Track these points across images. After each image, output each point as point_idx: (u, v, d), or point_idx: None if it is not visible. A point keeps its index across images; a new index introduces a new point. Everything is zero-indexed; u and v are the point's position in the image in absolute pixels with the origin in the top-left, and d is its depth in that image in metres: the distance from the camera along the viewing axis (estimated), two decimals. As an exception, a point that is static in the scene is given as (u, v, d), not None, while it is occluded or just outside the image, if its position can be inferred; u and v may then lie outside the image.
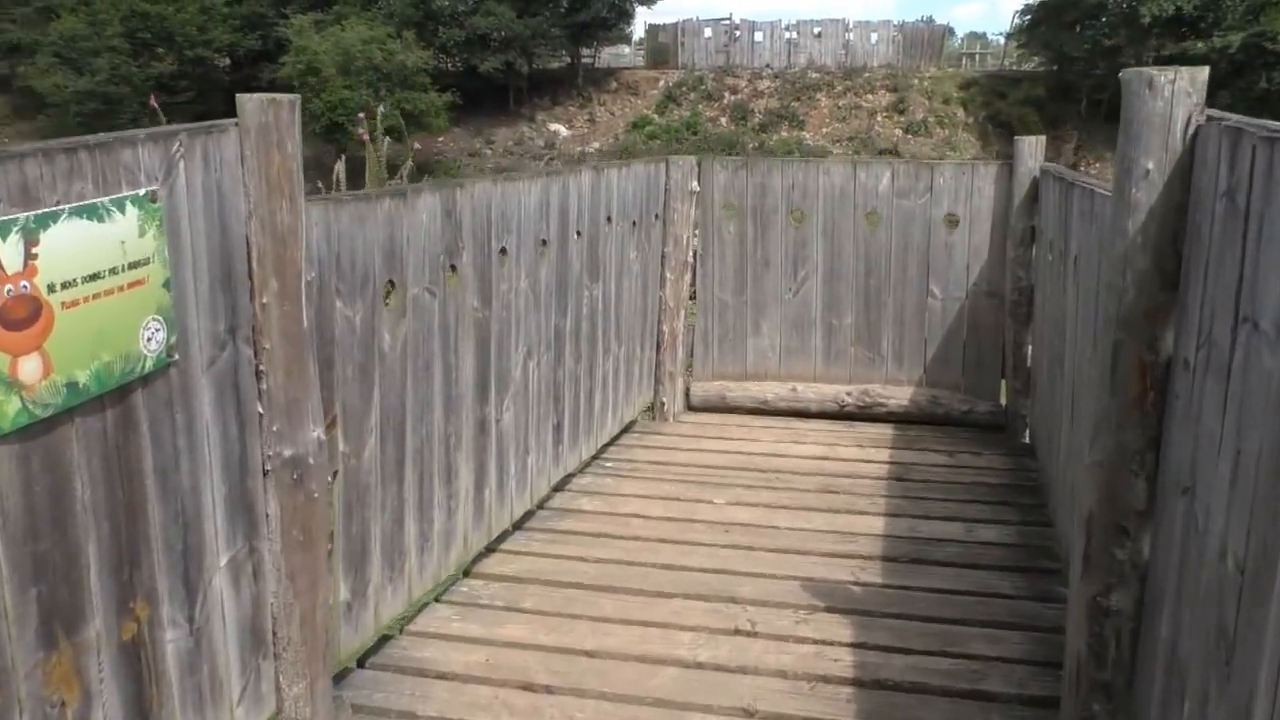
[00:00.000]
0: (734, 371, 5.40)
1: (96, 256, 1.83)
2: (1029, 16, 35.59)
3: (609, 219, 4.30)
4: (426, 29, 34.95)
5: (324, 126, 31.55)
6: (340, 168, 8.81)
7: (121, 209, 1.87)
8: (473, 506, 3.45)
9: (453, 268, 3.17)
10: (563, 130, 37.56)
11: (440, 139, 36.13)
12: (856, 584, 3.50)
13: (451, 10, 36.07)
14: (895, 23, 39.31)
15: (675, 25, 39.76)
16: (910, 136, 35.15)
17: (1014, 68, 39.15)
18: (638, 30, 46.19)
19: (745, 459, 4.76)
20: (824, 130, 35.68)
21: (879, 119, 35.95)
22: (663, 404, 5.29)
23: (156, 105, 7.79)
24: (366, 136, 8.55)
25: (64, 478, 1.78)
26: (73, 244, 1.77)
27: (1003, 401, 5.19)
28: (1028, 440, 4.96)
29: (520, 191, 3.52)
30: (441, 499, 3.23)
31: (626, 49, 48.81)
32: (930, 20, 39.41)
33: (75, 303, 1.78)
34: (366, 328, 2.74)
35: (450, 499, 3.29)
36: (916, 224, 5.03)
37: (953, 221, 5.03)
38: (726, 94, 37.19)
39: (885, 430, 5.15)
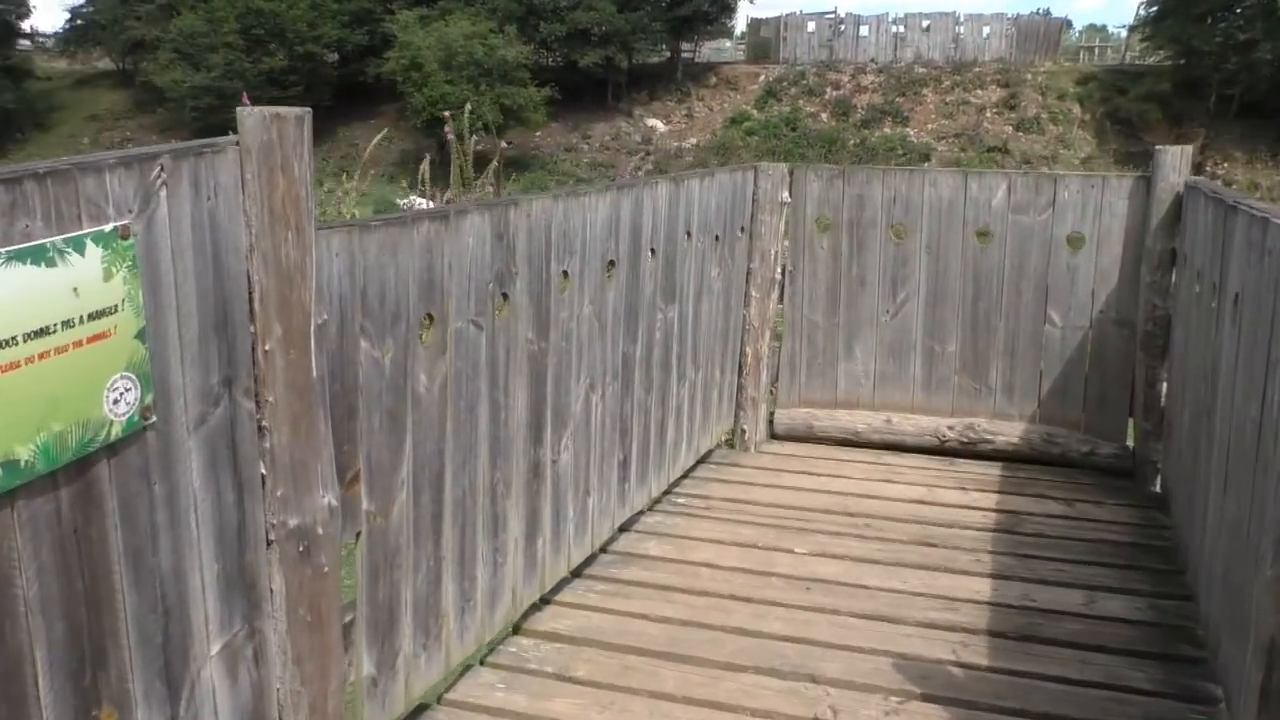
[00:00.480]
0: (823, 398, 4.94)
1: (45, 308, 1.53)
2: (1155, 8, 33.82)
3: (688, 234, 3.92)
4: (528, 24, 35.08)
5: (425, 121, 31.92)
6: (425, 167, 8.61)
7: (80, 249, 1.57)
8: (523, 559, 3.12)
9: (504, 296, 2.83)
10: (660, 126, 37.25)
11: (538, 134, 36.22)
12: (958, 664, 3.04)
13: (553, 5, 36.11)
14: (1009, 16, 37.78)
15: (777, 19, 39.02)
16: (1021, 134, 33.74)
17: (1136, 62, 37.27)
18: (739, 24, 45.60)
19: (831, 499, 4.31)
20: (929, 127, 34.52)
21: (988, 115, 34.62)
22: (744, 432, 4.87)
23: (249, 102, 7.57)
24: (451, 135, 8.31)
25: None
26: (11, 295, 1.47)
27: (1130, 444, 4.61)
28: (1158, 490, 4.39)
29: (585, 208, 3.16)
30: (487, 553, 2.90)
31: (728, 43, 48.23)
32: (1047, 13, 37.82)
33: (15, 365, 1.49)
34: (398, 369, 2.41)
35: (497, 553, 2.95)
36: (1035, 243, 4.50)
37: (1077, 241, 4.48)
38: (828, 89, 36.32)
39: (991, 470, 4.63)
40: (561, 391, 3.18)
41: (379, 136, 8.93)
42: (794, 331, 4.91)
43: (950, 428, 4.71)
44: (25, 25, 39.30)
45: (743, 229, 4.52)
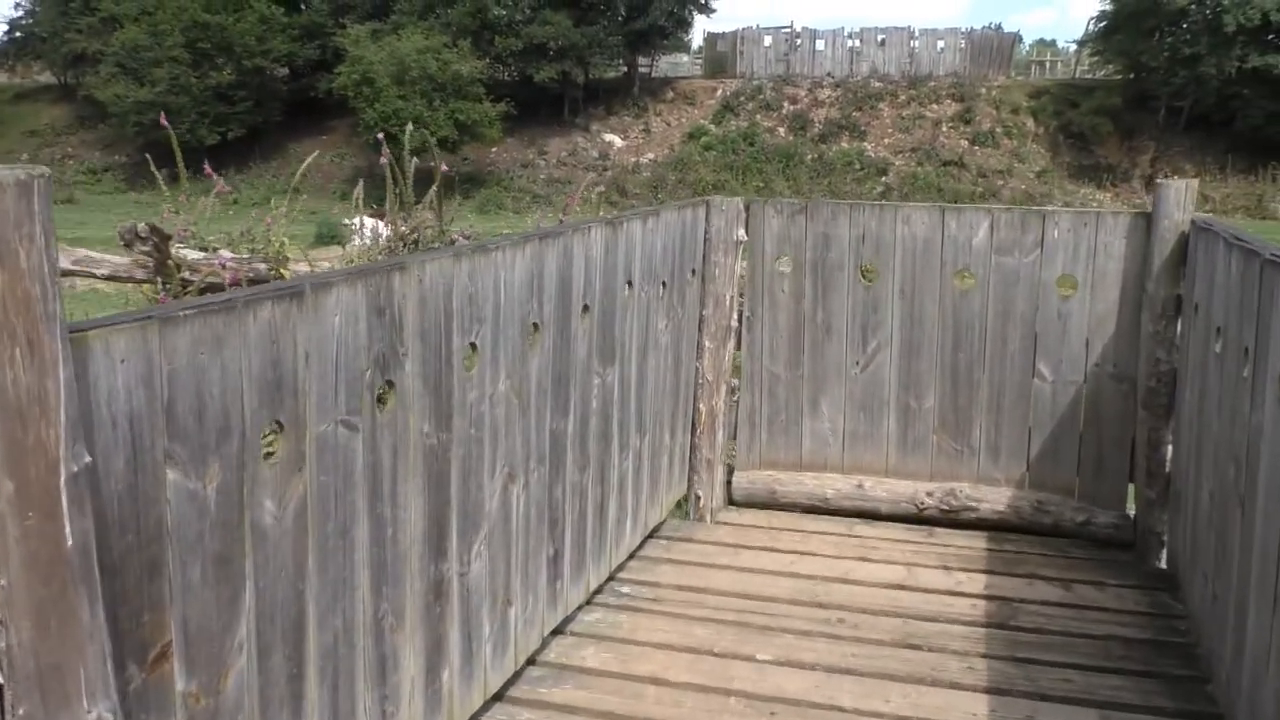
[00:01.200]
0: (786, 459, 4.39)
1: None
2: (1104, 23, 34.05)
3: (629, 284, 3.36)
4: (483, 38, 34.51)
5: (376, 137, 31.17)
6: (359, 190, 7.96)
7: None
8: (423, 700, 2.51)
9: (389, 384, 2.25)
10: (617, 141, 36.80)
11: (494, 150, 35.62)
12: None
13: (508, 19, 35.58)
14: (963, 30, 37.89)
15: (734, 33, 38.81)
16: (977, 148, 33.75)
17: (1087, 76, 37.51)
18: (696, 39, 45.38)
19: (798, 585, 3.73)
20: (886, 141, 34.42)
21: (944, 129, 34.60)
22: (698, 498, 4.31)
23: (168, 124, 6.98)
24: (386, 158, 7.68)
25: None
26: None
27: (1130, 512, 4.11)
28: (1165, 567, 3.89)
29: (498, 264, 2.58)
30: (371, 706, 2.30)
31: (685, 58, 48.02)
32: (999, 28, 37.98)
33: None
34: (228, 500, 1.81)
35: (385, 701, 2.35)
36: (1021, 287, 3.99)
37: (1069, 285, 3.99)
38: (785, 104, 36.13)
39: (977, 542, 4.10)
40: (471, 489, 2.59)
41: (311, 157, 8.24)
42: (753, 384, 4.36)
43: (929, 494, 4.17)
44: (-41, 39, 37.97)
45: (694, 272, 3.99)
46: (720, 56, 39.70)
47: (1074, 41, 45.39)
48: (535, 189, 33.63)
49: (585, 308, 3.02)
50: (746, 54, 38.21)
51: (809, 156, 33.65)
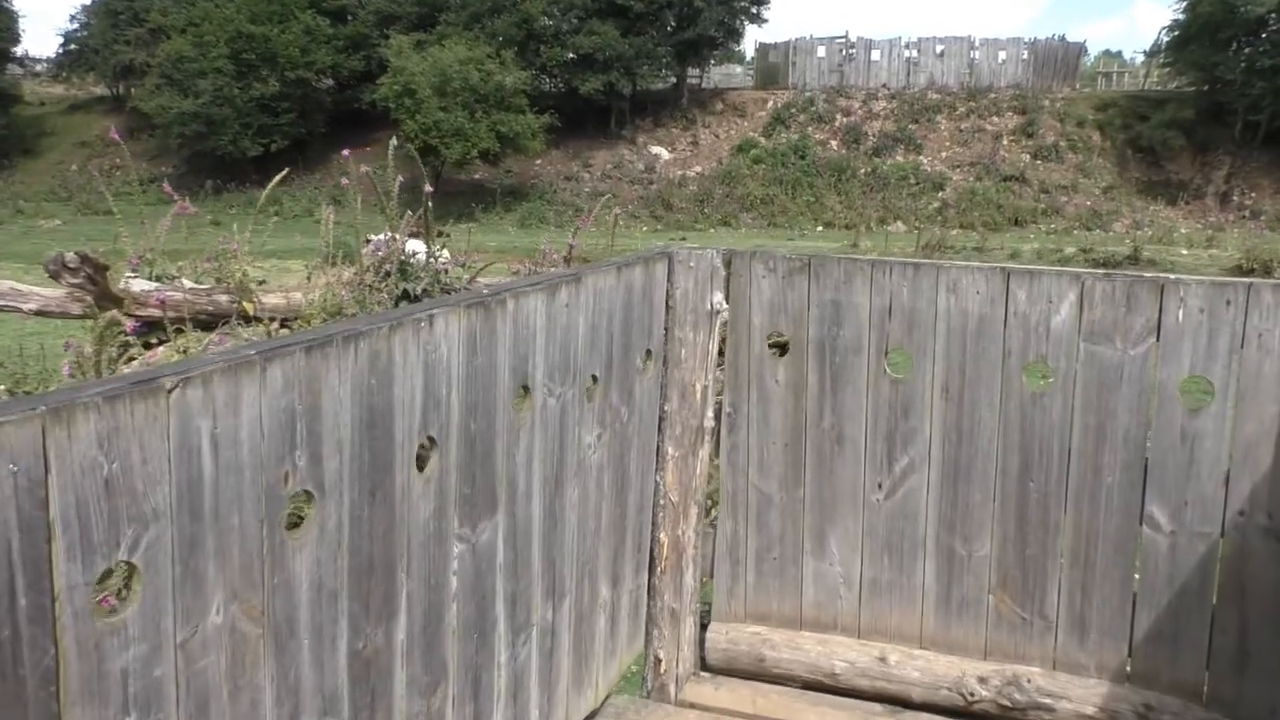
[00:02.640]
0: (781, 612, 3.27)
1: None
2: (1176, 34, 32.45)
3: (526, 388, 2.30)
4: (529, 49, 33.96)
5: (418, 149, 30.72)
6: (329, 213, 7.15)
7: None
8: None
9: None
10: (664, 153, 35.97)
11: (537, 162, 35.00)
12: None
13: (555, 30, 35.01)
14: (1026, 40, 36.43)
15: (787, 44, 37.80)
16: (1039, 162, 32.32)
17: (1157, 88, 35.85)
18: (748, 49, 44.37)
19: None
20: (943, 155, 33.15)
21: (1005, 143, 33.22)
22: (657, 661, 3.23)
23: (119, 138, 6.16)
24: (347, 183, 6.84)
25: None
26: None
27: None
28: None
29: (193, 411, 1.46)
30: None
31: (738, 69, 47.07)
32: (1063, 38, 36.44)
33: None
34: None
35: None
36: (1125, 391, 2.77)
37: (1201, 393, 2.81)
38: (839, 116, 35.03)
39: (1053, 760, 2.98)
40: None
41: (278, 177, 7.42)
42: (735, 507, 3.26)
43: (982, 679, 2.99)
44: (16, 50, 38.39)
45: (648, 354, 2.91)
46: (772, 67, 38.69)
47: (1143, 52, 43.57)
48: (579, 202, 32.91)
49: (427, 444, 1.97)
50: (799, 65, 37.18)
51: (862, 170, 32.51)
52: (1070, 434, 2.85)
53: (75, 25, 41.35)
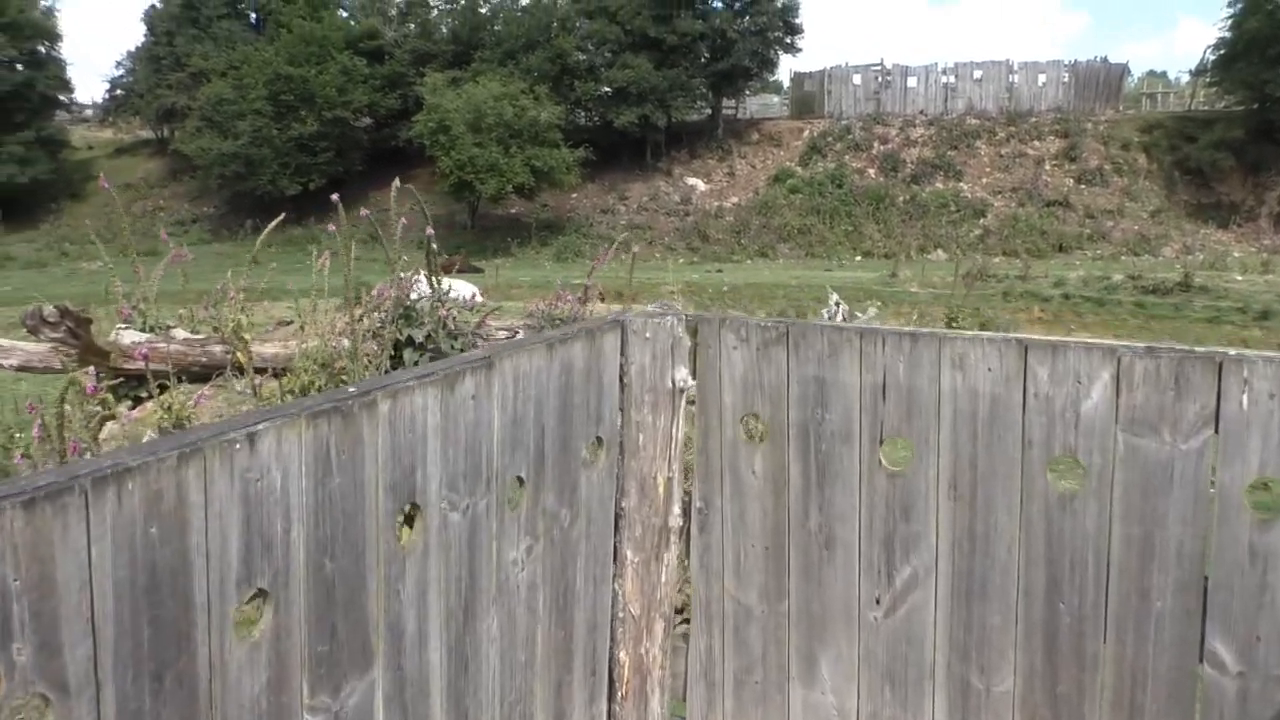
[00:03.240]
0: None
1: None
2: (1223, 51, 31.69)
3: (416, 505, 1.83)
4: (563, 84, 34.06)
5: (453, 185, 30.85)
6: (324, 260, 6.87)
7: None
8: None
9: None
10: (700, 185, 35.78)
11: (573, 195, 34.97)
12: None
13: (589, 64, 35.11)
14: (1066, 63, 35.82)
15: (822, 72, 37.54)
16: (1083, 186, 31.63)
17: (1204, 108, 35.01)
18: (783, 78, 44.18)
19: None
20: (983, 181, 32.57)
21: (1047, 167, 32.58)
22: None
23: (106, 184, 5.96)
24: (337, 225, 6.54)
25: None
26: None
27: None
28: None
29: None
30: None
31: (775, 98, 46.89)
32: (1105, 60, 35.78)
33: None
34: None
35: None
36: (1177, 494, 2.19)
37: (1273, 498, 2.27)
38: (876, 144, 34.63)
39: None
40: None
41: (273, 223, 7.15)
42: (710, 620, 2.70)
43: None
44: (64, 97, 39.29)
45: (599, 441, 2.45)
46: (807, 96, 38.43)
47: (1188, 72, 42.73)
48: (614, 235, 32.67)
49: (259, 597, 1.53)
50: (835, 93, 36.88)
51: (901, 198, 32.03)
52: (1109, 547, 2.29)
53: (121, 71, 42.28)
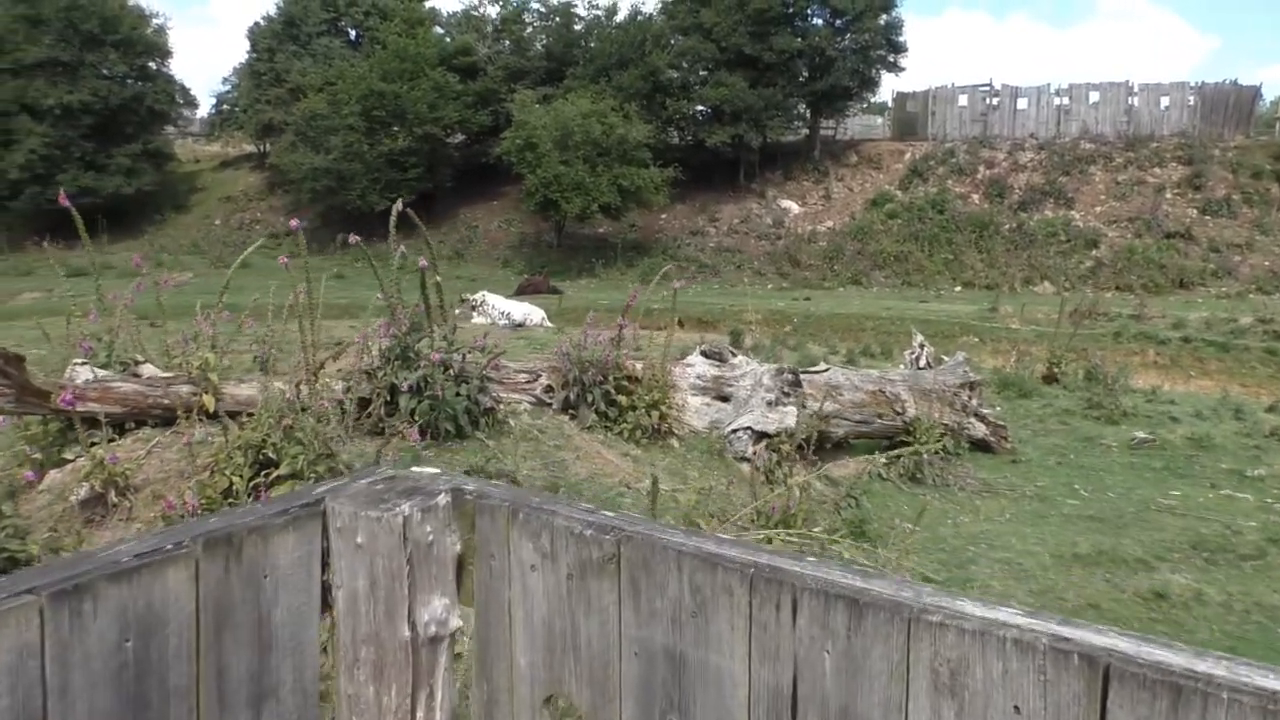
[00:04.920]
0: None
1: None
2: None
3: None
4: (654, 101, 33.36)
5: (538, 203, 30.37)
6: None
7: None
8: None
9: None
10: (794, 207, 34.59)
11: (663, 216, 34.17)
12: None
13: (682, 82, 34.34)
14: (1192, 85, 33.49)
15: (925, 93, 35.99)
16: (1208, 217, 29.35)
17: (1347, 134, 32.30)
18: (885, 98, 42.67)
19: None
20: (1097, 209, 30.54)
21: (1168, 196, 30.39)
22: None
23: (67, 201, 5.23)
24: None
25: None
26: None
27: None
28: None
29: None
30: None
31: (879, 119, 45.36)
32: (1235, 82, 33.31)
33: None
34: None
35: None
36: None
37: None
38: (981, 168, 32.91)
39: None
40: None
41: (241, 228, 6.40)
42: None
43: None
44: (171, 112, 40.37)
45: None
46: (910, 117, 36.90)
47: (1329, 95, 39.61)
48: (703, 258, 31.84)
49: None
50: (939, 114, 35.28)
51: (1006, 226, 30.24)
52: None
53: (227, 87, 43.34)
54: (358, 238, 5.72)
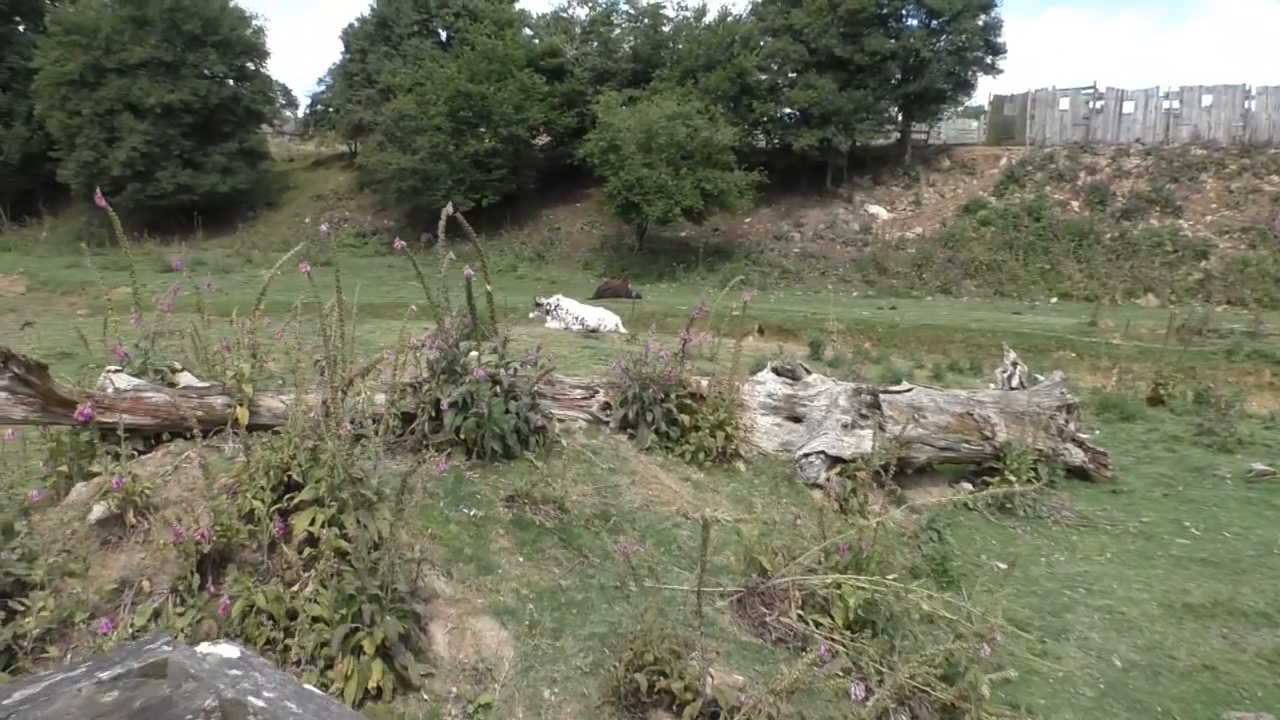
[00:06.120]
0: None
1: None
2: None
3: None
4: (741, 104, 32.79)
5: (620, 206, 30.07)
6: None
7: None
8: None
9: None
10: (883, 213, 33.62)
11: (746, 220, 33.57)
12: None
13: (770, 84, 33.68)
14: (1316, 87, 31.49)
15: (1024, 95, 34.64)
16: (1331, 228, 27.47)
17: None
18: (980, 100, 41.33)
19: None
20: (1207, 219, 28.89)
21: (1286, 205, 28.56)
22: None
23: (103, 201, 5.03)
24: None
25: None
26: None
27: None
28: None
29: None
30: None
31: (975, 123, 43.93)
32: (1364, 84, 31.18)
33: None
34: None
35: None
36: None
37: None
38: (1082, 174, 31.48)
39: None
40: None
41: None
42: None
43: None
44: (267, 111, 41.28)
45: None
46: (1007, 121, 35.59)
47: None
48: (786, 264, 31.16)
49: None
50: (1038, 118, 33.93)
51: (1108, 235, 28.86)
52: None
53: (322, 88, 44.19)
54: (402, 243, 5.41)
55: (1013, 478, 7.35)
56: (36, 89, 35.72)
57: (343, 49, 41.04)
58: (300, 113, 46.61)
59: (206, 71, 36.83)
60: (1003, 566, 6.09)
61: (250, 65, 39.22)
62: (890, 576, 4.58)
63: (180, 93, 34.97)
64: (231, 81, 38.27)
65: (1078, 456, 8.15)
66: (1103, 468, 8.31)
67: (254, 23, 38.97)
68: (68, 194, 37.74)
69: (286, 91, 42.21)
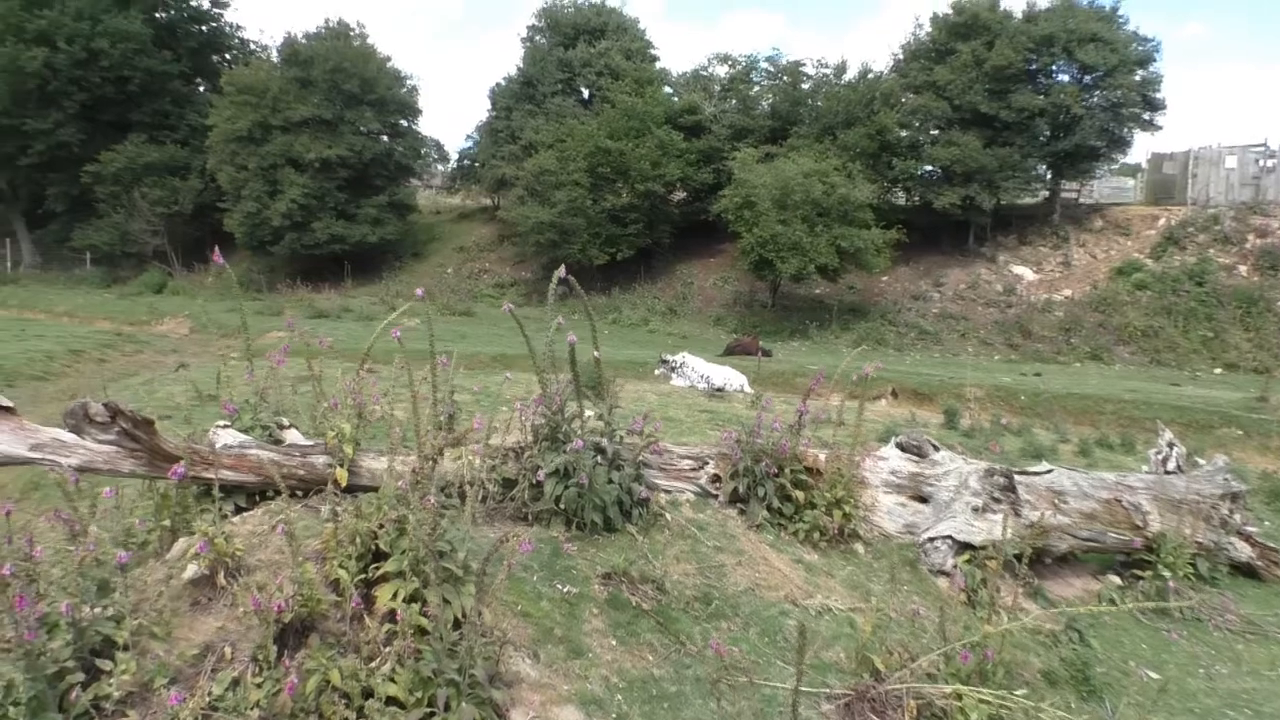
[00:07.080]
0: None
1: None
2: None
3: None
4: (880, 160, 32.24)
5: (753, 262, 29.83)
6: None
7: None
8: None
9: None
10: (1028, 274, 32.27)
11: (884, 279, 32.78)
12: None
13: (911, 141, 33.03)
14: None
15: (1186, 153, 32.82)
16: None
17: None
18: (1137, 158, 39.44)
19: None
20: (1398, 287, 26.46)
21: None
22: None
23: (220, 258, 5.15)
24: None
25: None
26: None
27: None
28: None
29: None
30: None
31: (1131, 181, 41.93)
32: None
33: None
34: None
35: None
36: None
37: None
38: (1251, 236, 29.46)
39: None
40: None
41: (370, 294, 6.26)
42: None
43: None
44: (417, 166, 43.10)
45: None
46: (1166, 180, 33.79)
47: None
48: (924, 324, 30.18)
49: None
50: (1200, 176, 32.07)
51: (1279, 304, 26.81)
52: None
53: (469, 144, 45.89)
54: (510, 306, 5.32)
55: (1166, 572, 6.66)
56: (210, 144, 38.27)
57: (489, 107, 42.54)
58: (449, 167, 48.49)
59: (363, 129, 38.74)
60: (1155, 677, 5.47)
61: (403, 122, 41.10)
62: (1021, 687, 4.12)
63: (338, 148, 36.84)
64: (385, 138, 40.15)
65: (1244, 552, 7.36)
66: (1273, 565, 7.47)
67: (408, 82, 40.89)
68: (233, 242, 40.18)
69: (439, 146, 44.04)
